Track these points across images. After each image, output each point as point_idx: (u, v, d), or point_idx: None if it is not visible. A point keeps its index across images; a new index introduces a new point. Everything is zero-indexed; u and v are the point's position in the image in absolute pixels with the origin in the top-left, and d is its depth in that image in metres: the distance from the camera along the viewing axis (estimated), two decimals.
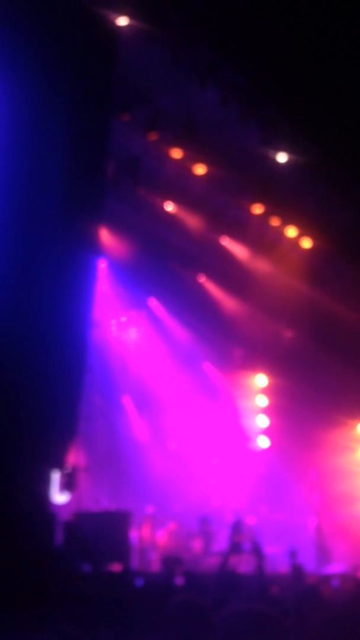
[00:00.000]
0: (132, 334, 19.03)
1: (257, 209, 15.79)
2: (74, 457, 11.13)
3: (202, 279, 18.18)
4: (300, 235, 16.72)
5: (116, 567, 11.26)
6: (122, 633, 3.34)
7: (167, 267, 17.50)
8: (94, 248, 10.97)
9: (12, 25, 9.57)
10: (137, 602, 4.33)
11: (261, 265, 17.40)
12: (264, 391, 18.84)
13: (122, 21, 10.77)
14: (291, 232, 16.59)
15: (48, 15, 9.67)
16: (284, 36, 10.71)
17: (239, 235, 17.05)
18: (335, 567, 14.59)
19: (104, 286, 17.68)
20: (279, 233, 16.67)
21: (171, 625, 3.53)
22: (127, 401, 18.41)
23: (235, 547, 12.03)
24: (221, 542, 14.48)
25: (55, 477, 10.48)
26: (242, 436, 18.51)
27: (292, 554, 11.70)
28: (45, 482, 10.21)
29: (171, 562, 10.70)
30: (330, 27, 10.44)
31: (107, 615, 3.93)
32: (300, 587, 7.89)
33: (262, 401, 18.79)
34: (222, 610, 2.96)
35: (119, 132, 12.34)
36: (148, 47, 11.04)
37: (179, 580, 8.06)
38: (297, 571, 9.41)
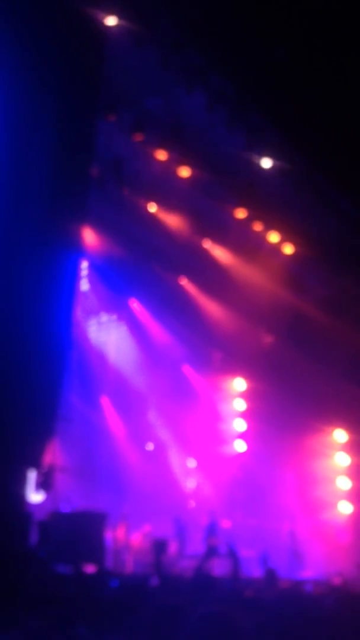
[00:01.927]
0: (112, 334, 19.01)
1: (240, 214, 15.84)
2: (51, 456, 11.10)
3: (184, 282, 18.21)
4: (282, 241, 16.80)
5: (91, 568, 11.24)
6: (97, 634, 3.35)
7: (149, 268, 17.50)
8: (77, 247, 10.95)
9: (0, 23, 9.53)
10: (112, 603, 4.34)
11: (242, 270, 17.45)
12: (242, 395, 18.89)
13: (111, 21, 10.76)
14: (273, 237, 16.66)
15: (36, 14, 9.64)
16: (272, 44, 10.76)
17: (221, 238, 17.10)
18: (309, 573, 14.67)
19: (85, 285, 17.65)
20: (261, 238, 16.74)
21: (146, 627, 3.54)
22: (105, 402, 18.38)
23: (211, 551, 12.09)
24: (196, 545, 14.51)
25: (32, 476, 10.44)
26: (219, 439, 18.54)
27: (265, 559, 11.75)
28: (22, 481, 10.18)
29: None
30: (318, 35, 10.51)
31: (81, 615, 3.93)
32: (274, 591, 7.93)
33: (240, 405, 18.84)
34: (195, 612, 2.98)
35: (105, 133, 12.33)
36: (137, 49, 11.04)
37: (154, 581, 8.07)
38: (271, 575, 9.46)
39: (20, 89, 9.69)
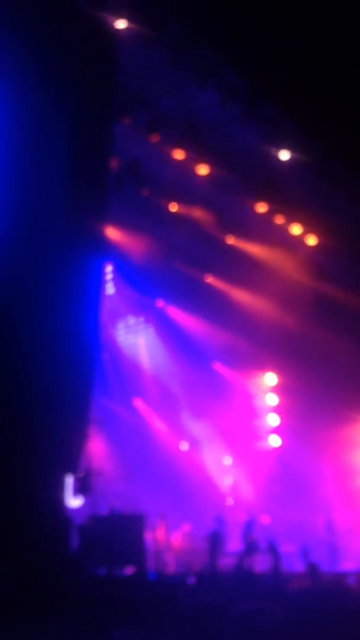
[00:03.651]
0: (141, 337, 19.05)
1: (261, 208, 15.78)
2: (87, 461, 11.16)
3: (209, 279, 18.18)
4: (305, 232, 16.70)
5: (132, 570, 11.28)
6: (139, 634, 3.36)
7: (174, 267, 17.51)
8: (100, 251, 11.01)
9: (13, 33, 9.62)
10: (153, 602, 4.35)
11: (268, 264, 17.38)
12: (274, 390, 18.80)
13: (121, 24, 10.79)
14: (296, 229, 16.56)
15: (47, 21, 9.71)
16: (282, 34, 10.70)
17: (244, 234, 17.04)
18: (350, 565, 14.55)
19: (111, 289, 17.72)
20: (283, 231, 16.65)
21: (188, 624, 3.55)
22: (138, 403, 18.42)
23: (250, 547, 12.05)
24: (235, 542, 14.48)
25: (69, 481, 10.52)
26: (254, 435, 18.48)
27: (305, 553, 11.68)
28: (59, 487, 10.25)
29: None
30: (330, 25, 10.43)
31: (123, 617, 3.95)
32: (316, 586, 7.89)
33: (273, 400, 18.76)
34: (234, 610, 2.98)
35: (121, 136, 12.35)
36: (147, 50, 11.06)
37: (191, 580, 8.08)
38: (312, 569, 9.40)
39: (35, 96, 9.76)
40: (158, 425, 18.41)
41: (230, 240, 17.29)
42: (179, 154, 14.21)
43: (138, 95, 12.52)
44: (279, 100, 12.28)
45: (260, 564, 12.94)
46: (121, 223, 14.95)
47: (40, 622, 4.29)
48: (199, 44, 11.16)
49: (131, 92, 12.05)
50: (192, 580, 7.72)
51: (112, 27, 10.74)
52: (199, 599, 3.60)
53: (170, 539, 15.04)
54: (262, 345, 17.75)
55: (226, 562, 13.44)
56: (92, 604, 4.69)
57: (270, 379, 18.80)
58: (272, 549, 12.26)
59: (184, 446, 18.37)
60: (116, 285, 17.92)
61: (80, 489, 10.89)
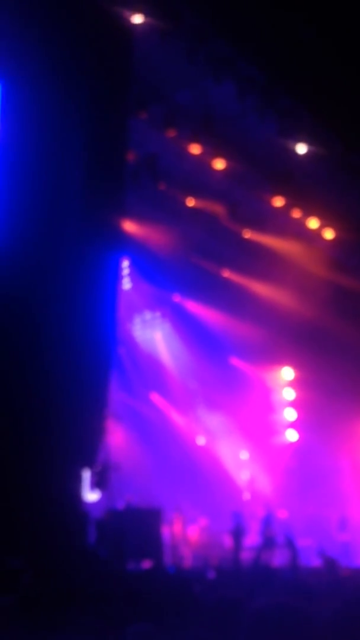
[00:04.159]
0: (157, 332, 19.06)
1: (278, 202, 15.72)
2: (104, 455, 11.19)
3: (226, 273, 18.14)
4: (322, 226, 16.61)
5: (149, 564, 11.30)
6: (156, 629, 3.36)
7: (191, 262, 17.49)
8: (117, 246, 11.01)
9: (30, 27, 9.62)
10: (171, 597, 4.34)
11: (285, 258, 17.32)
12: (291, 384, 18.76)
13: (137, 19, 10.78)
14: (313, 223, 16.48)
15: (64, 15, 9.71)
16: (299, 25, 10.62)
17: (260, 228, 16.99)
18: None
19: (128, 284, 17.73)
20: (300, 225, 16.58)
21: (204, 621, 3.54)
22: (155, 398, 18.45)
23: (268, 542, 12.02)
24: (253, 537, 14.47)
25: (86, 475, 10.55)
26: (271, 430, 18.45)
27: (322, 548, 11.64)
28: (77, 481, 10.28)
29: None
30: (349, 17, 10.33)
31: (141, 612, 3.95)
32: (334, 581, 7.86)
33: (290, 394, 18.71)
34: (253, 604, 2.95)
35: (137, 130, 12.34)
36: (163, 44, 11.02)
37: (211, 575, 8.08)
38: (330, 564, 9.36)
39: (51, 90, 9.77)
40: (175, 419, 18.42)
41: (247, 234, 17.24)
42: (195, 148, 14.17)
43: (154, 89, 12.48)
44: (296, 92, 12.20)
45: (278, 558, 12.92)
46: (138, 217, 14.94)
47: (57, 615, 4.29)
48: (216, 37, 11.11)
49: (147, 86, 12.02)
50: (211, 575, 7.72)
51: (129, 21, 10.72)
52: (218, 594, 3.58)
53: (187, 533, 15.06)
54: (279, 339, 17.69)
55: (244, 556, 13.43)
56: (109, 598, 4.69)
57: (288, 373, 18.75)
58: (290, 544, 12.22)
59: (201, 440, 18.37)
60: (133, 280, 17.93)
61: (97, 483, 10.92)
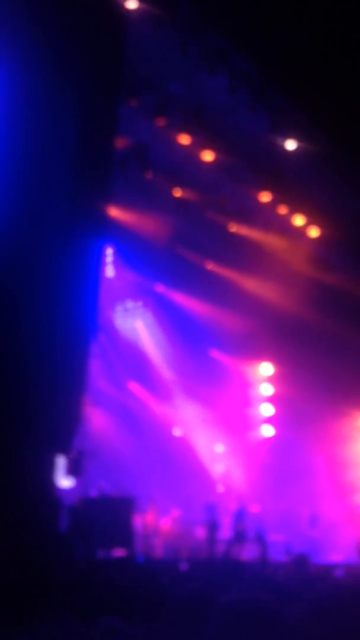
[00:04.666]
0: (138, 321, 19.04)
1: (265, 197, 15.72)
2: (80, 442, 11.17)
3: (210, 266, 18.14)
4: (308, 224, 16.64)
5: (120, 552, 11.33)
6: (125, 619, 3.37)
7: (174, 252, 17.47)
8: (101, 233, 10.95)
9: (22, 11, 9.52)
10: (141, 587, 4.36)
11: (269, 253, 17.35)
12: (269, 380, 18.83)
13: (131, 4, 10.68)
14: (299, 220, 16.51)
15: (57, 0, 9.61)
16: (294, 22, 10.60)
17: (246, 222, 17.00)
18: (339, 557, 14.63)
19: (111, 272, 17.68)
20: (286, 221, 16.60)
21: (173, 612, 3.55)
22: (134, 387, 18.44)
23: (239, 536, 12.10)
24: (225, 530, 14.54)
25: (61, 462, 10.52)
26: (247, 424, 18.52)
27: (289, 545, 11.75)
28: (51, 467, 10.25)
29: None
30: (342, 15, 10.33)
31: (110, 601, 3.95)
32: (303, 575, 7.92)
33: (267, 390, 18.78)
34: (223, 598, 2.97)
35: (128, 118, 12.27)
36: (158, 32, 10.95)
37: (183, 566, 8.12)
38: (301, 560, 9.44)
39: (42, 75, 9.67)
40: (153, 409, 18.43)
41: (233, 228, 17.24)
42: (185, 139, 14.13)
43: (147, 78, 12.41)
44: (288, 89, 12.19)
45: (248, 552, 13.00)
46: (124, 205, 14.89)
47: (28, 602, 4.29)
48: (210, 29, 11.06)
49: (140, 74, 11.94)
50: (183, 567, 7.76)
51: (123, 6, 10.63)
52: (188, 586, 3.60)
53: (159, 524, 15.10)
54: (260, 334, 17.75)
55: (215, 549, 13.51)
56: (79, 586, 4.70)
57: (266, 368, 18.82)
58: (260, 538, 12.32)
59: (178, 432, 18.40)
60: (116, 268, 17.88)
61: (71, 470, 10.91)
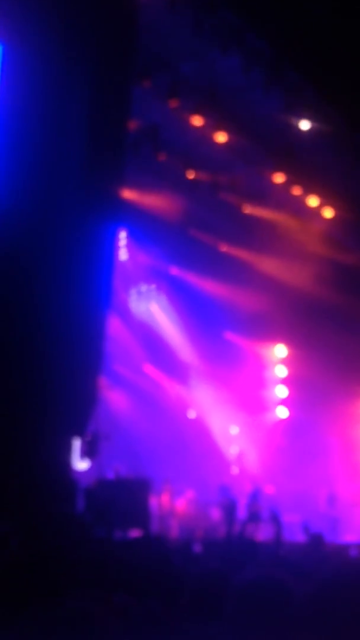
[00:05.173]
0: (152, 304, 19.05)
1: (279, 178, 15.62)
2: (95, 425, 11.24)
3: (224, 248, 18.08)
4: (322, 204, 16.53)
5: (136, 533, 11.41)
6: (140, 599, 3.40)
7: (188, 234, 17.42)
8: (115, 215, 10.95)
9: None
10: (157, 568, 4.40)
11: (284, 234, 17.27)
12: (284, 361, 18.81)
13: None
14: (313, 201, 16.40)
15: None
16: (307, 1, 10.47)
17: (260, 203, 16.90)
18: (353, 537, 14.66)
19: (124, 255, 17.67)
20: (300, 202, 16.49)
21: (191, 592, 3.58)
22: (148, 369, 18.49)
23: (253, 516, 12.15)
24: (240, 511, 14.61)
25: (76, 444, 10.61)
26: (262, 406, 18.54)
27: (306, 525, 11.76)
28: (67, 450, 10.34)
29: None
30: None
31: (125, 581, 4.00)
32: (318, 555, 7.96)
33: (282, 371, 18.78)
34: (238, 577, 2.99)
35: (140, 99, 12.20)
36: (170, 12, 10.85)
37: (197, 548, 8.17)
38: (316, 540, 9.47)
39: (54, 57, 9.64)
40: (167, 391, 18.49)
41: (247, 209, 17.15)
42: (197, 120, 14.03)
43: (159, 58, 12.32)
44: (302, 68, 12.06)
45: (263, 533, 13.06)
46: (137, 187, 14.84)
47: (44, 580, 4.34)
48: (224, 7, 10.94)
49: (152, 54, 11.86)
50: (198, 549, 7.81)
51: None
52: (203, 565, 3.63)
53: (174, 505, 15.20)
54: (274, 315, 17.71)
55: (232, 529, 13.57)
56: (94, 565, 4.74)
57: (281, 350, 18.80)
58: (275, 519, 12.37)
59: (192, 414, 18.46)
60: (130, 251, 17.87)
61: (87, 452, 11.00)
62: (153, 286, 19.06)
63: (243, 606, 2.96)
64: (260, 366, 18.83)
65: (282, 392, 18.64)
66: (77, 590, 3.19)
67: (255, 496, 14.47)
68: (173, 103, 13.30)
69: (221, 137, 14.42)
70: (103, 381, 12.51)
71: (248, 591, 3.08)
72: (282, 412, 18.50)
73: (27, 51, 9.65)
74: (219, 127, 14.25)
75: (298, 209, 16.67)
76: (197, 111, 13.81)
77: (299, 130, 13.68)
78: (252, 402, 18.30)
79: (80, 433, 10.61)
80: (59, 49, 9.65)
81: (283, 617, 2.95)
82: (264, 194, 16.52)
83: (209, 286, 18.03)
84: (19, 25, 9.54)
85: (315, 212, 16.73)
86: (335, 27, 10.72)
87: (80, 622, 2.20)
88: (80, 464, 11.00)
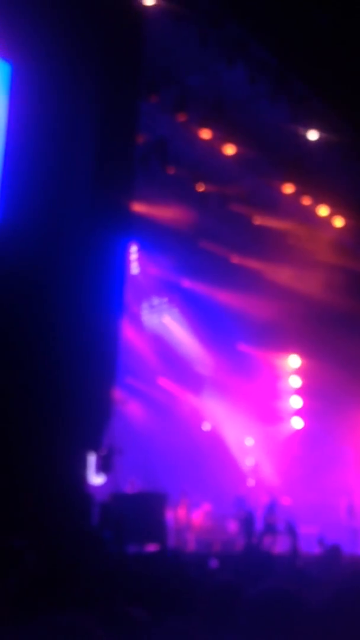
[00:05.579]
0: (165, 317, 19.07)
1: (288, 189, 15.63)
2: (110, 439, 11.23)
3: (235, 259, 18.09)
4: (332, 214, 16.53)
5: (153, 547, 11.36)
6: (155, 613, 3.38)
7: (199, 247, 17.45)
8: (125, 229, 10.99)
9: (39, 7, 9.56)
10: (173, 582, 4.37)
11: (295, 245, 17.26)
12: (298, 372, 18.75)
13: (149, 0, 10.69)
14: (323, 211, 16.40)
15: None
16: (314, 10, 10.50)
17: (270, 214, 16.91)
18: None
19: (136, 269, 17.71)
20: (310, 212, 16.49)
21: (206, 606, 3.56)
22: (162, 382, 18.49)
23: (269, 528, 12.07)
24: (256, 523, 14.52)
25: (92, 459, 10.60)
26: (276, 417, 18.47)
27: (322, 536, 11.67)
28: (82, 464, 10.33)
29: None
30: None
31: (141, 596, 3.97)
32: (336, 568, 7.88)
33: (296, 382, 18.71)
34: (253, 590, 2.97)
35: (148, 113, 12.27)
36: (175, 27, 10.94)
37: (213, 563, 8.12)
38: (333, 552, 9.38)
39: (62, 75, 9.72)
40: (182, 404, 18.46)
41: (257, 220, 17.17)
42: (206, 133, 14.09)
43: (166, 72, 12.40)
44: (309, 78, 12.09)
45: (280, 545, 12.97)
46: (147, 201, 14.90)
47: (59, 595, 4.33)
48: (229, 20, 11.00)
49: (159, 68, 11.94)
50: (214, 564, 7.76)
51: (140, 3, 10.63)
52: (217, 579, 3.61)
53: (191, 518, 15.13)
54: (287, 326, 17.67)
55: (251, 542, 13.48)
56: (109, 580, 4.72)
57: (294, 360, 18.74)
58: (291, 531, 12.27)
59: (207, 426, 18.41)
60: (141, 265, 17.91)
61: (102, 466, 10.98)
62: (165, 299, 19.08)
63: (258, 618, 2.93)
64: (274, 377, 18.78)
65: (296, 402, 18.57)
66: (89, 605, 3.18)
67: (271, 508, 14.38)
68: (181, 116, 13.37)
69: (229, 149, 14.47)
70: (117, 395, 12.52)
71: (263, 603, 3.05)
72: (297, 423, 18.42)
73: (35, 69, 9.74)
74: (227, 139, 14.30)
75: (308, 218, 16.67)
76: (204, 124, 13.87)
77: (307, 140, 13.70)
78: (266, 413, 18.24)
79: (96, 447, 10.60)
80: (66, 67, 9.73)
81: (298, 629, 2.92)
82: (274, 205, 16.53)
83: (221, 297, 18.03)
84: (27, 43, 9.63)
85: (326, 221, 16.72)
86: (340, 37, 10.75)
87: (90, 637, 2.19)
88: (96, 479, 10.98)
